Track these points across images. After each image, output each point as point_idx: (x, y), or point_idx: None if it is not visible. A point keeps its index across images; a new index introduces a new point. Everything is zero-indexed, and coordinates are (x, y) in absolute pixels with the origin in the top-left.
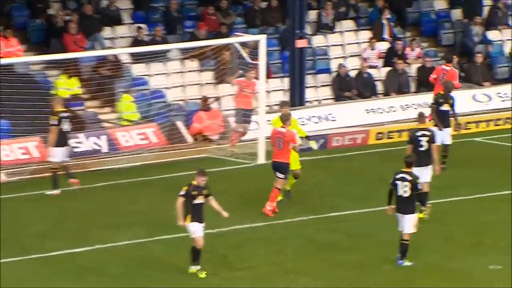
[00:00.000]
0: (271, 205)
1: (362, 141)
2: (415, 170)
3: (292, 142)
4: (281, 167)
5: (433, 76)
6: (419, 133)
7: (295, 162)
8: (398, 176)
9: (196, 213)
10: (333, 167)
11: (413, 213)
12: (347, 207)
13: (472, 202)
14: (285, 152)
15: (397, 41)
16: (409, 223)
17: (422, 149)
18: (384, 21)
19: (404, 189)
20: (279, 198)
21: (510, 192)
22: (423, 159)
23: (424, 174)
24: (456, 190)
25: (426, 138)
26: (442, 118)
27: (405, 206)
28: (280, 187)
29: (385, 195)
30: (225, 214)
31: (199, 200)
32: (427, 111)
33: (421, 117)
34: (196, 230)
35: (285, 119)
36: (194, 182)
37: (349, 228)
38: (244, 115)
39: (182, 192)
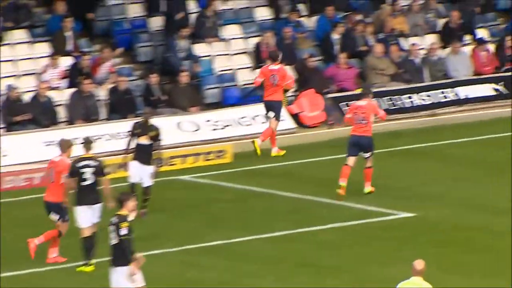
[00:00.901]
0: (55, 251)
1: (42, 182)
2: (79, 210)
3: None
4: (54, 207)
5: (258, 79)
6: (81, 164)
7: None
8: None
9: None
10: (3, 216)
11: (126, 265)
12: (29, 265)
13: (178, 255)
14: (57, 188)
15: (83, 56)
16: (121, 278)
17: (86, 183)
18: (68, 32)
19: (112, 235)
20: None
21: (220, 242)
22: (88, 195)
23: (89, 216)
24: (159, 241)
25: (90, 170)
26: (140, 153)
27: (113, 256)
28: (63, 231)
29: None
30: None
31: None
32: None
33: (87, 143)
34: None
35: (65, 146)
36: None
37: None
38: None
39: None
